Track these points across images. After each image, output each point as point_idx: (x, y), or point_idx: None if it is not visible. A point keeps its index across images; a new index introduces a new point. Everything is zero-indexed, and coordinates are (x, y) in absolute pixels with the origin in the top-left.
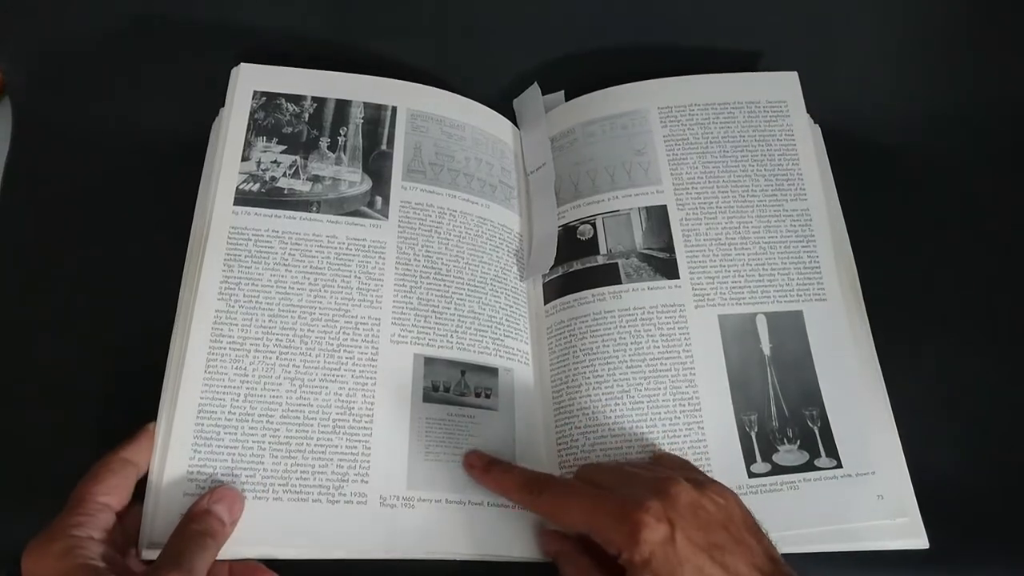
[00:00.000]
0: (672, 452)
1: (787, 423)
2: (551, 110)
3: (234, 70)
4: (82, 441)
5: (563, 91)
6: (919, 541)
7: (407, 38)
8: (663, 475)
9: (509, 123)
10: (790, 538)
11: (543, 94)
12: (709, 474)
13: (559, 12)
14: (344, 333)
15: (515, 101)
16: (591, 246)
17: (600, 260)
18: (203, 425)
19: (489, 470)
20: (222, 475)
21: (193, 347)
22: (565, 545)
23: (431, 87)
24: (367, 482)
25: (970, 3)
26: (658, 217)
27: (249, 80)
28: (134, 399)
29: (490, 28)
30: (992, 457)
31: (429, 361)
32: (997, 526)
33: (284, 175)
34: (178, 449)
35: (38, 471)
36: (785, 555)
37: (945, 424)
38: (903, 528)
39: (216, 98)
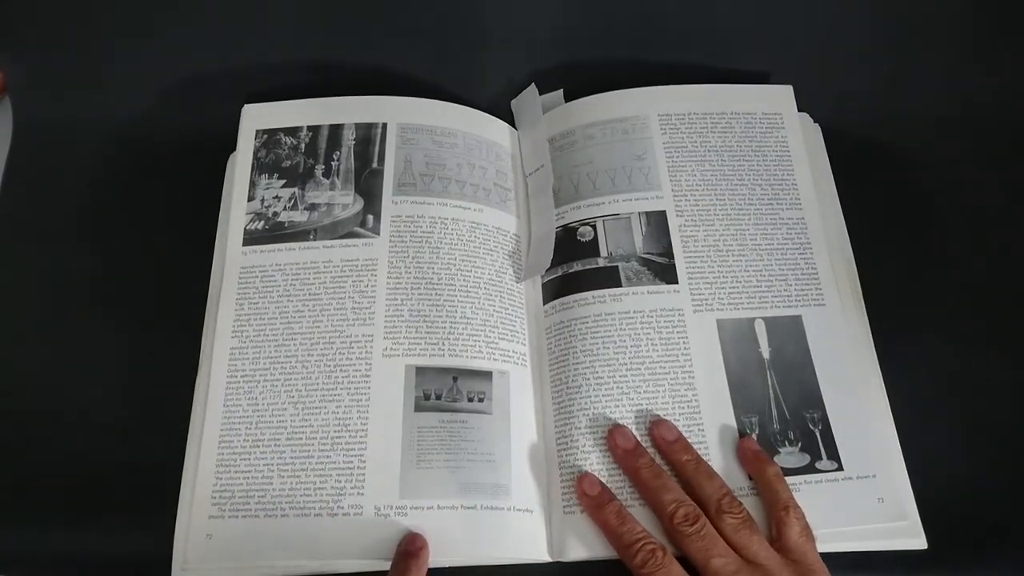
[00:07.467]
0: None
1: (788, 425)
2: (550, 110)
3: (240, 115)
4: (79, 443)
5: (561, 90)
6: (918, 542)
7: (408, 43)
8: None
9: (506, 125)
10: None
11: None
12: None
13: (564, 25)
14: (340, 353)
15: (513, 102)
16: (592, 248)
17: (601, 262)
18: (223, 454)
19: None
20: (239, 498)
21: (214, 384)
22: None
23: (421, 99)
24: (363, 494)
25: (970, 3)
26: (658, 223)
27: (251, 120)
28: (129, 399)
29: (492, 39)
30: (991, 458)
31: (421, 371)
32: (996, 527)
33: (284, 208)
34: (204, 477)
35: (41, 481)
36: None
37: (944, 425)
38: (902, 529)
39: (219, 103)
